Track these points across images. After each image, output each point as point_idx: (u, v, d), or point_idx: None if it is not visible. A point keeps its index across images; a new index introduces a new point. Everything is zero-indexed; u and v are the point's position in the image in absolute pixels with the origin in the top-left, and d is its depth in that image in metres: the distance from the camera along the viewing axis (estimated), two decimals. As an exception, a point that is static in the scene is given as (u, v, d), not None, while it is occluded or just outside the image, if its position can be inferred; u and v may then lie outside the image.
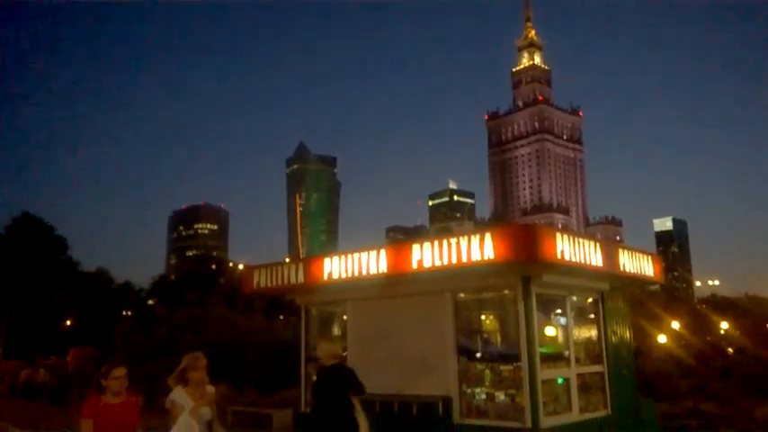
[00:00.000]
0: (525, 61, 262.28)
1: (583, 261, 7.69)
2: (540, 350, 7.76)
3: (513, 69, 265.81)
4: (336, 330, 10.61)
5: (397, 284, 8.72)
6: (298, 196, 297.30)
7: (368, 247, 8.82)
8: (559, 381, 8.16)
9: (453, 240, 7.71)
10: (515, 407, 7.70)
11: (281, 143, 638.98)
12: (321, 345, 6.88)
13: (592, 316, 9.26)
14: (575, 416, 8.08)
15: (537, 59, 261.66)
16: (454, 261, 7.65)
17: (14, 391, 27.01)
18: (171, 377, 5.35)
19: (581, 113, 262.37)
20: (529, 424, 7.40)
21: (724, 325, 37.25)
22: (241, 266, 54.87)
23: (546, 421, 7.50)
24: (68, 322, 53.60)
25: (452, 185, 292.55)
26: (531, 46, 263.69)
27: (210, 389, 5.39)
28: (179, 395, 5.22)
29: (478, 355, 8.38)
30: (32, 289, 52.54)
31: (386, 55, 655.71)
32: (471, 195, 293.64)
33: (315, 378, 6.78)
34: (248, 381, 20.65)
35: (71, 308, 53.85)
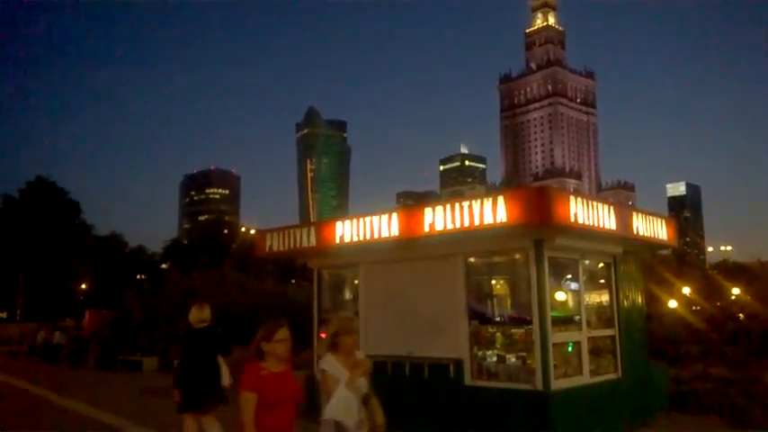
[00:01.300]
0: (539, 22, 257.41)
1: (596, 224, 7.63)
2: (551, 314, 7.77)
3: (527, 30, 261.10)
4: (349, 294, 10.69)
5: (409, 248, 8.73)
6: (308, 161, 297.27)
7: (380, 211, 8.82)
8: (569, 348, 8.17)
9: (465, 204, 7.67)
10: (526, 369, 7.75)
11: (292, 107, 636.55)
12: (191, 311, 7.71)
13: (603, 281, 9.24)
14: (585, 378, 8.13)
15: (551, 20, 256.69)
16: (466, 224, 7.62)
17: (33, 353, 27.62)
18: (321, 343, 4.58)
19: (595, 77, 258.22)
20: (540, 386, 7.45)
21: (735, 291, 37.16)
22: (253, 231, 55.21)
23: (556, 384, 7.55)
24: (83, 286, 54.45)
25: (464, 150, 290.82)
26: (545, 6, 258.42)
27: (363, 356, 4.57)
28: (331, 364, 4.36)
29: (496, 319, 8.41)
30: (47, 253, 53.24)
31: (396, 17, 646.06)
32: (483, 160, 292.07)
33: (182, 339, 7.81)
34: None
35: (85, 271, 54.60)
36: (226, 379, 7.42)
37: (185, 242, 79.99)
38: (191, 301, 8.82)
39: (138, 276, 59.30)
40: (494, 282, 8.83)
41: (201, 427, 7.32)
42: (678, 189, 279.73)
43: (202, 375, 7.30)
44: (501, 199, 7.39)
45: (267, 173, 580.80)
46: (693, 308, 29.37)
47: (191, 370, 7.35)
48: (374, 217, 8.79)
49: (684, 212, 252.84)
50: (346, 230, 9.16)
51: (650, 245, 9.71)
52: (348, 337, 4.43)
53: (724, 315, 23.88)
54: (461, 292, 8.38)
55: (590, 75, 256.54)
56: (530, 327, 7.71)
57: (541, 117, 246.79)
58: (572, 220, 7.25)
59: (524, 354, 7.85)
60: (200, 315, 7.60)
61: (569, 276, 8.62)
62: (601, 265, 9.16)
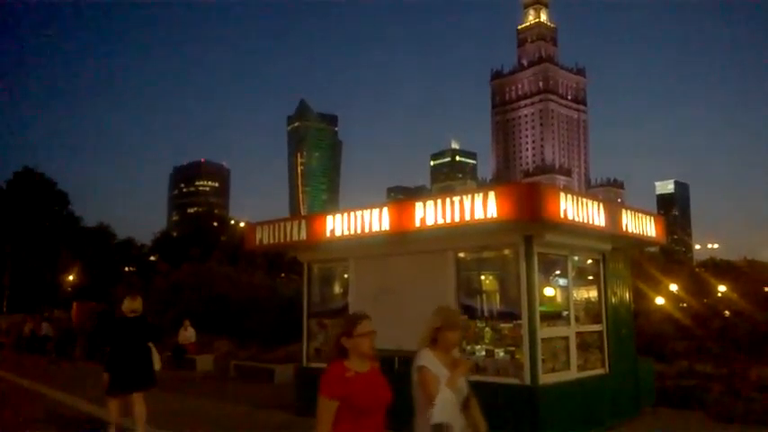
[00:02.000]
0: (531, 18, 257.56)
1: (586, 221, 7.68)
2: (539, 309, 7.81)
3: (519, 27, 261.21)
4: (338, 288, 10.69)
5: (400, 243, 8.74)
6: (299, 154, 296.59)
7: (371, 205, 8.82)
8: (556, 341, 8.22)
9: (456, 199, 7.69)
10: (515, 364, 7.79)
11: (283, 100, 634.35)
12: (124, 301, 8.28)
13: (591, 277, 9.30)
14: (573, 373, 8.18)
15: (543, 17, 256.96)
16: (457, 219, 7.64)
17: (20, 344, 27.44)
18: (421, 338, 4.01)
19: (586, 74, 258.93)
20: (528, 380, 7.50)
21: (722, 288, 37.52)
22: (242, 224, 55.04)
23: (544, 378, 7.60)
24: (71, 277, 54.09)
25: (454, 145, 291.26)
26: (537, 3, 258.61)
27: (458, 354, 3.94)
28: (431, 361, 3.82)
29: (485, 314, 8.45)
30: (34, 244, 52.84)
31: (388, 12, 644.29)
32: (473, 156, 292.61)
33: (114, 327, 8.41)
34: (250, 336, 20.92)
35: (73, 263, 54.22)
36: (157, 364, 8.20)
37: (175, 235, 79.52)
38: (125, 293, 9.38)
39: (127, 269, 58.97)
40: (483, 277, 8.86)
41: (128, 407, 7.99)
42: (667, 187, 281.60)
43: (133, 361, 7.93)
44: (492, 194, 7.40)
45: (257, 166, 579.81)
46: (680, 305, 29.62)
47: (121, 356, 7.96)
48: (365, 211, 8.79)
49: (673, 210, 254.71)
50: (337, 224, 9.16)
51: (639, 242, 9.77)
52: (452, 332, 3.90)
53: (710, 312, 24.11)
54: (451, 286, 8.40)
55: (581, 72, 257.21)
56: (518, 322, 7.74)
57: (532, 113, 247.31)
58: (562, 216, 7.29)
59: (513, 348, 7.89)
60: (131, 305, 8.20)
61: (558, 272, 8.67)
62: (590, 261, 9.22)
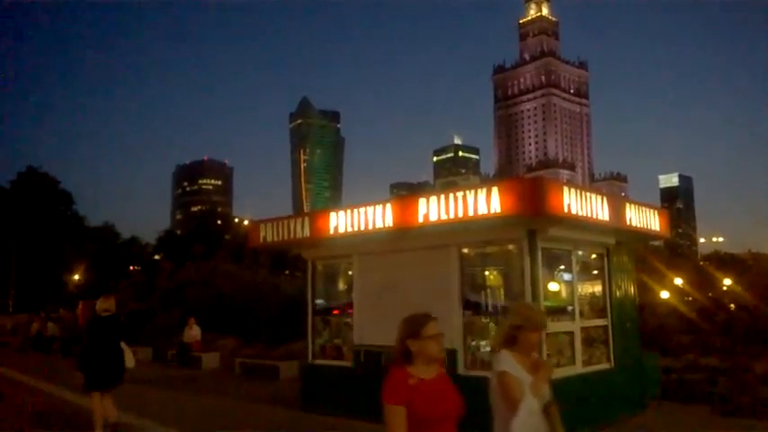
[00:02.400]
0: (533, 12, 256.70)
1: (590, 215, 7.66)
2: (544, 304, 7.80)
3: (520, 21, 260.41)
4: (342, 284, 10.70)
5: (403, 239, 8.74)
6: (301, 152, 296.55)
7: (374, 202, 8.82)
8: (560, 336, 8.21)
9: (459, 194, 7.68)
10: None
11: (285, 98, 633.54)
12: (98, 301, 8.51)
13: (595, 271, 9.29)
14: (578, 368, 8.18)
15: (545, 10, 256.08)
16: (460, 215, 7.64)
17: (26, 344, 27.54)
18: (496, 337, 3.68)
19: (589, 67, 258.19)
20: (532, 376, 7.49)
21: (727, 281, 37.39)
22: (246, 222, 55.11)
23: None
24: (76, 276, 54.25)
25: (457, 141, 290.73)
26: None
27: (538, 356, 3.66)
28: (512, 365, 3.45)
29: (489, 309, 8.44)
30: (39, 243, 52.99)
31: (390, 8, 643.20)
32: (476, 151, 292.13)
33: (87, 326, 8.63)
34: (255, 334, 20.97)
35: (78, 262, 54.38)
36: (130, 362, 8.41)
37: (178, 233, 79.65)
38: (101, 294, 9.36)
39: (132, 267, 59.09)
40: (487, 272, 8.86)
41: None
42: (671, 180, 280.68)
43: (105, 358, 8.16)
44: (495, 190, 7.40)
45: (260, 163, 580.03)
46: (685, 298, 29.57)
47: (94, 353, 8.18)
48: (368, 207, 8.79)
49: (677, 204, 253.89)
50: (340, 221, 9.17)
51: (643, 236, 9.76)
52: (534, 333, 3.53)
53: (715, 306, 24.05)
54: (455, 282, 8.39)
55: (583, 65, 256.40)
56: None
57: (535, 108, 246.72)
58: (565, 210, 7.27)
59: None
60: (104, 305, 8.40)
61: (562, 267, 8.66)
62: (594, 255, 9.21)
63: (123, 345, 8.37)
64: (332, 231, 9.29)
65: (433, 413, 3.02)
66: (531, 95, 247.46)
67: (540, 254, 7.79)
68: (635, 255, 10.56)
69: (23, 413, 10.35)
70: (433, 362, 3.16)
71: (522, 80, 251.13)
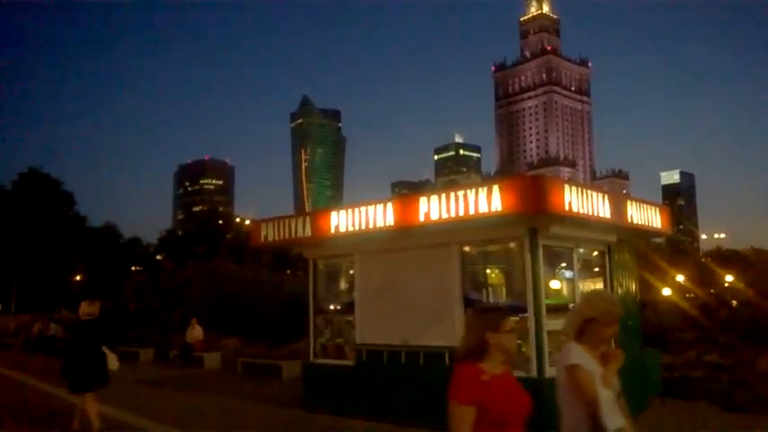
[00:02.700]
0: (533, 10, 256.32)
1: (591, 213, 7.66)
2: (545, 302, 7.81)
3: (521, 18, 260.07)
4: (344, 283, 10.71)
5: (405, 237, 8.75)
6: (303, 151, 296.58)
7: (375, 201, 8.83)
8: (564, 337, 8.22)
9: (461, 193, 7.69)
10: (521, 357, 7.79)
11: (286, 97, 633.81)
12: (81, 305, 8.69)
13: (597, 269, 9.28)
14: (579, 366, 8.17)
15: (545, 8, 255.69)
16: (461, 213, 7.65)
17: (28, 345, 27.59)
18: (567, 328, 3.43)
19: (590, 64, 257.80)
20: (534, 373, 7.51)
21: (729, 278, 37.41)
22: (247, 222, 55.16)
23: (551, 371, 7.60)
24: (78, 277, 54.31)
25: (458, 139, 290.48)
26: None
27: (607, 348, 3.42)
28: (582, 356, 3.23)
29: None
30: (41, 244, 53.04)
31: (391, 6, 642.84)
32: (477, 149, 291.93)
33: (70, 329, 9.01)
34: (258, 333, 20.99)
35: (80, 263, 54.44)
36: (113, 364, 8.54)
37: (180, 233, 79.73)
38: (83, 297, 9.59)
39: (134, 267, 59.16)
40: (489, 270, 8.87)
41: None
42: (672, 177, 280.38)
43: (88, 361, 8.33)
44: (496, 188, 7.40)
45: (261, 163, 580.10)
46: (687, 295, 29.54)
47: (77, 356, 8.38)
48: (369, 206, 8.80)
49: (678, 200, 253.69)
50: (341, 220, 9.18)
51: (644, 233, 9.75)
52: (608, 328, 3.30)
53: (717, 302, 24.01)
54: (457, 280, 8.40)
55: (584, 63, 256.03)
56: (524, 315, 7.74)
57: (536, 105, 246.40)
58: (566, 208, 7.27)
59: (519, 342, 7.89)
60: (88, 309, 8.60)
61: (564, 264, 8.66)
62: (595, 253, 9.21)
63: (105, 349, 8.52)
64: (333, 230, 9.30)
65: (508, 411, 2.84)
66: (532, 93, 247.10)
67: (541, 252, 7.79)
68: (636, 252, 10.56)
69: (12, 411, 10.40)
70: (508, 358, 2.99)
71: (523, 78, 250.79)
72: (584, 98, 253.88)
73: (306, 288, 10.87)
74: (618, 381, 3.31)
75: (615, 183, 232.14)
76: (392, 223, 8.50)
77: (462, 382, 2.81)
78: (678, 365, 11.69)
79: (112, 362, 8.55)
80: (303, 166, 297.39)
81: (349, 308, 9.89)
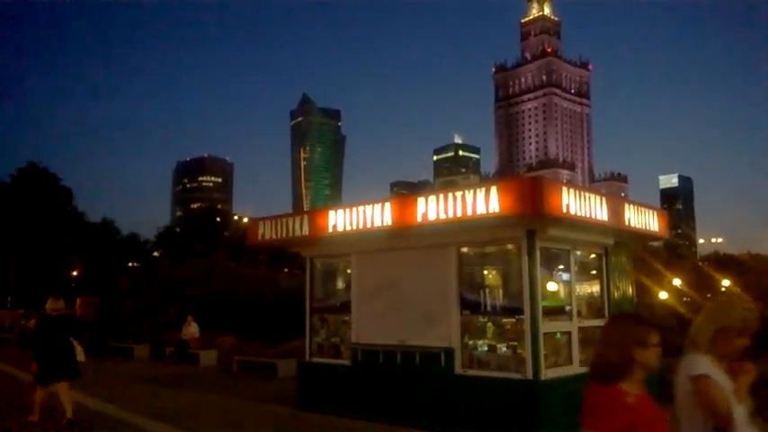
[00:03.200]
0: (534, 11, 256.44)
1: (588, 215, 7.65)
2: (542, 304, 7.80)
3: (522, 20, 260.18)
4: (341, 283, 10.69)
5: (402, 237, 8.74)
6: (302, 149, 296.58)
7: (373, 200, 8.81)
8: (558, 336, 8.22)
9: (459, 194, 7.68)
10: (517, 359, 7.79)
11: (286, 95, 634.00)
12: (48, 301, 9.16)
13: (594, 272, 9.28)
14: (575, 368, 8.17)
15: (546, 10, 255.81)
16: (459, 214, 7.64)
17: (23, 340, 27.49)
18: (696, 336, 3.07)
19: (590, 67, 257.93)
20: (530, 375, 7.49)
21: (726, 282, 37.46)
22: (246, 219, 55.10)
23: (547, 373, 7.59)
24: (75, 273, 54.23)
25: (457, 140, 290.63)
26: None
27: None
28: (710, 368, 2.93)
29: (487, 309, 8.45)
30: (39, 239, 52.95)
31: (391, 6, 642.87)
32: (476, 150, 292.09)
33: (38, 324, 9.36)
34: (254, 331, 20.94)
35: (77, 258, 54.35)
36: (81, 356, 9.17)
37: (178, 230, 79.54)
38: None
39: (131, 264, 59.05)
40: (486, 272, 8.86)
41: (54, 394, 8.90)
42: (671, 181, 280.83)
43: (56, 354, 8.79)
44: (494, 189, 7.39)
45: (260, 161, 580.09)
46: (684, 299, 29.59)
47: (46, 350, 8.82)
48: (367, 206, 8.79)
49: (676, 204, 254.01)
50: (339, 219, 9.16)
51: (642, 236, 9.75)
52: (741, 340, 2.99)
53: (713, 306, 24.01)
54: (454, 281, 8.40)
55: (584, 65, 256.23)
56: (521, 317, 7.74)
57: (536, 107, 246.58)
58: (564, 210, 7.27)
59: (515, 343, 7.89)
60: (54, 305, 9.10)
61: (561, 267, 8.65)
62: (592, 255, 9.19)
63: (73, 341, 9.06)
64: (331, 230, 9.28)
65: None
66: (531, 95, 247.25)
67: (538, 253, 7.78)
68: (633, 255, 10.55)
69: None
70: (650, 373, 2.63)
71: (523, 79, 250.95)
72: (584, 101, 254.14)
73: (303, 287, 10.85)
74: (748, 395, 2.97)
75: (614, 186, 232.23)
76: (390, 223, 8.49)
77: (605, 405, 2.44)
78: (675, 369, 11.69)
79: (79, 353, 9.13)
80: (302, 165, 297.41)
81: (346, 307, 9.87)
